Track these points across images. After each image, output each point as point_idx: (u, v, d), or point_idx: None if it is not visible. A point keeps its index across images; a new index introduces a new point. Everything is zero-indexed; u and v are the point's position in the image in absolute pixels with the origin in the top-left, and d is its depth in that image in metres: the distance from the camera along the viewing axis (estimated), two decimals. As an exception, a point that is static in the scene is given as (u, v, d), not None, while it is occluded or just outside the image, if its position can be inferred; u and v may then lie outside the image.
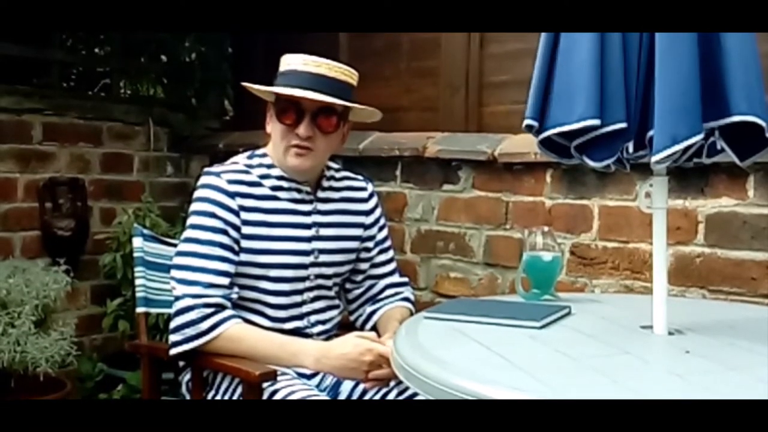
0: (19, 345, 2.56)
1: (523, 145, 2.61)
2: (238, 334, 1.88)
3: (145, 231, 2.24)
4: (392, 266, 2.21)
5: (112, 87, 3.76)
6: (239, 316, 1.91)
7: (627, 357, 1.47)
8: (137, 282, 2.14)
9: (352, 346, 1.84)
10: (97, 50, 3.76)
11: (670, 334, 1.59)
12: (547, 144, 1.64)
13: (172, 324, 1.90)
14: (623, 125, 1.51)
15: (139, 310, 2.14)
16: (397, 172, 2.99)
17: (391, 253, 2.22)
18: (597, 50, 1.50)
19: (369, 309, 2.17)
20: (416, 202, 2.94)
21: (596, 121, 1.50)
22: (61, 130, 3.36)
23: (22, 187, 3.25)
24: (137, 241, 2.17)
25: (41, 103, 3.29)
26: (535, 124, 1.58)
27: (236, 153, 2.14)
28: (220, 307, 1.88)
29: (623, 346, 1.53)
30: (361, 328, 2.15)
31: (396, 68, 3.30)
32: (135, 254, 2.17)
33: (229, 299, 1.91)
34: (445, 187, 2.85)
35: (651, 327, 1.60)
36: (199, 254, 1.91)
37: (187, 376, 2.06)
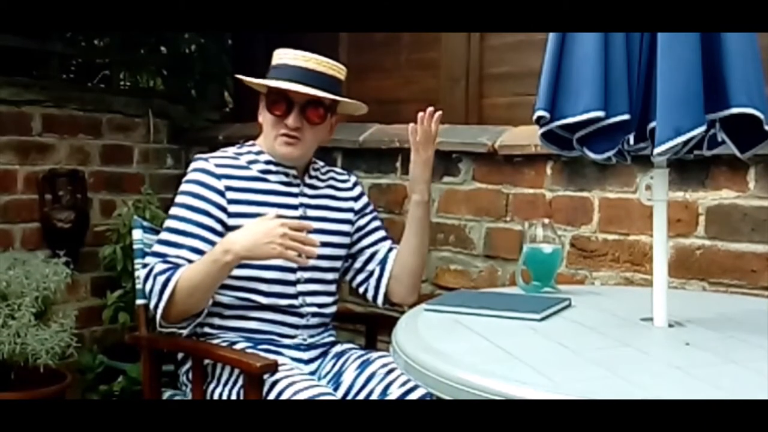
0: (20, 337, 2.55)
1: (523, 137, 2.60)
2: (183, 276, 1.92)
3: (145, 223, 2.25)
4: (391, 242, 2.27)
5: (112, 79, 3.75)
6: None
7: (627, 349, 1.48)
8: (137, 274, 2.14)
9: (261, 219, 1.91)
10: (96, 42, 3.75)
11: (670, 326, 1.59)
12: (548, 136, 1.64)
13: (147, 291, 1.97)
14: (626, 117, 1.52)
15: (139, 302, 2.15)
16: (397, 165, 2.98)
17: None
18: (600, 44, 1.51)
19: (378, 267, 2.20)
20: (416, 194, 2.93)
21: (601, 113, 1.51)
22: (61, 121, 3.35)
23: (21, 179, 3.24)
24: (137, 233, 2.17)
25: (41, 94, 3.28)
26: (547, 114, 1.57)
27: (236, 144, 2.17)
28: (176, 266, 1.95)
29: (623, 338, 1.54)
30: (376, 289, 2.20)
31: (396, 60, 3.29)
32: (135, 246, 2.17)
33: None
34: (446, 179, 2.85)
35: (651, 319, 1.60)
36: (176, 230, 2.00)
37: (186, 367, 2.07)
